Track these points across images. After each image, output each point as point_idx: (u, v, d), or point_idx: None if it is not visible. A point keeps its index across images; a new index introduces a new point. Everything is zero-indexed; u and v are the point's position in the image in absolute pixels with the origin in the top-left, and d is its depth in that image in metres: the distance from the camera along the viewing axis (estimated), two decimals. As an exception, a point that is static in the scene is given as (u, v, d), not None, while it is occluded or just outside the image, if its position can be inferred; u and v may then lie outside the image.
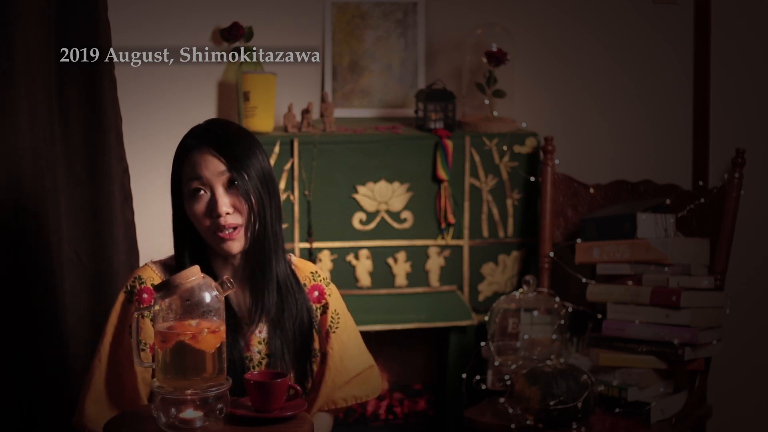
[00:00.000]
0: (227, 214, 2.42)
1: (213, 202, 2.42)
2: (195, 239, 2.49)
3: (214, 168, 2.43)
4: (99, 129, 3.30)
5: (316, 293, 2.60)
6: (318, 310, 2.59)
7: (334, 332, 2.59)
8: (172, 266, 2.52)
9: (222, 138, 2.45)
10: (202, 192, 2.44)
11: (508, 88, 3.73)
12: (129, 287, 2.49)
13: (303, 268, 2.62)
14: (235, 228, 2.44)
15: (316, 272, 2.63)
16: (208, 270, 2.39)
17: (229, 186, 2.44)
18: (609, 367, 3.35)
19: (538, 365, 3.26)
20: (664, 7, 3.77)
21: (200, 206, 2.44)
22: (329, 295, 2.61)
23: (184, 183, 2.45)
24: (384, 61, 3.85)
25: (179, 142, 2.50)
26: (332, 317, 2.60)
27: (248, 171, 2.44)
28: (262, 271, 2.49)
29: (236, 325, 2.48)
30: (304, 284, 2.58)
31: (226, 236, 2.43)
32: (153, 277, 2.49)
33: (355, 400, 2.63)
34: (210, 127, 2.50)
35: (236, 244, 2.45)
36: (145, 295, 2.47)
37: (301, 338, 2.54)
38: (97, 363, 2.47)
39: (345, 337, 2.61)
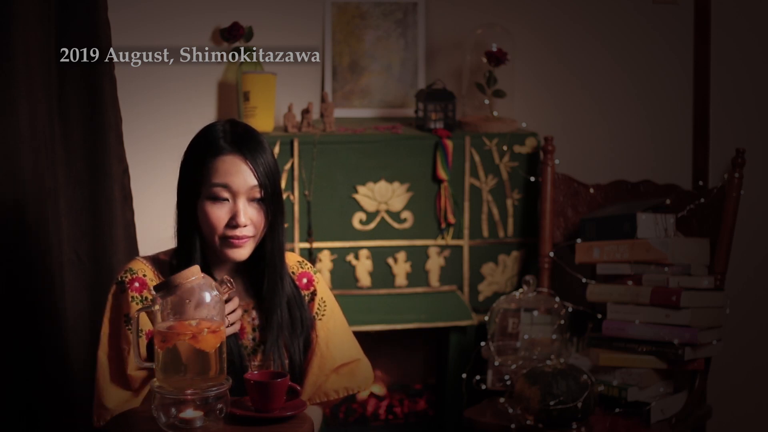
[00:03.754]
0: (244, 226, 2.43)
1: (234, 212, 2.43)
2: (199, 240, 2.49)
3: (246, 180, 2.42)
4: (99, 129, 3.30)
5: (305, 280, 2.62)
6: (306, 297, 2.60)
7: (320, 319, 2.61)
8: (162, 261, 2.53)
9: (256, 149, 2.44)
10: (225, 200, 2.43)
11: (508, 88, 3.73)
12: (120, 279, 2.49)
13: (289, 258, 2.62)
14: (246, 238, 2.45)
15: (302, 261, 2.65)
16: (204, 270, 2.40)
17: (253, 199, 2.44)
18: (609, 367, 3.35)
19: (538, 365, 3.26)
20: (664, 7, 3.77)
21: (220, 213, 2.43)
22: (317, 282, 2.63)
23: (207, 184, 2.43)
24: (384, 61, 3.85)
25: (201, 137, 2.48)
26: (319, 304, 2.62)
27: (271, 186, 2.45)
28: (275, 289, 2.51)
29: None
30: (293, 272, 2.60)
31: (236, 242, 2.44)
32: (143, 268, 2.50)
33: (346, 392, 2.63)
34: (238, 129, 2.47)
35: (243, 252, 2.46)
36: (136, 284, 2.47)
37: (303, 353, 2.57)
38: (102, 356, 2.48)
39: (331, 325, 2.62)
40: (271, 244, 2.49)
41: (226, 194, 2.43)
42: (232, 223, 2.43)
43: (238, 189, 2.43)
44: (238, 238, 2.44)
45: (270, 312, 2.52)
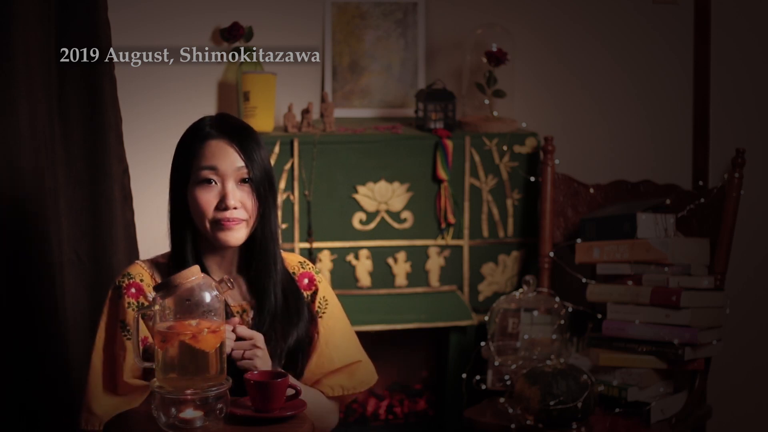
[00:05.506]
0: (234, 208, 2.44)
1: (223, 195, 2.44)
2: (191, 231, 2.49)
3: (232, 161, 2.44)
4: (99, 129, 3.30)
5: (306, 280, 2.62)
6: (308, 297, 2.61)
7: (320, 317, 2.61)
8: (161, 264, 2.54)
9: (242, 133, 2.48)
10: (213, 182, 2.45)
11: (508, 88, 3.73)
12: (117, 283, 2.50)
13: (290, 258, 2.64)
14: (238, 221, 2.45)
15: (304, 261, 2.65)
16: (200, 264, 2.40)
17: (241, 181, 2.46)
18: (609, 367, 3.35)
19: (538, 365, 3.26)
20: (664, 7, 3.77)
21: (209, 196, 2.45)
22: (319, 281, 2.63)
23: (195, 170, 2.45)
24: (384, 61, 3.85)
25: (190, 128, 2.50)
26: (320, 302, 2.62)
27: (260, 170, 2.46)
28: (267, 273, 2.51)
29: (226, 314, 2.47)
30: (294, 272, 2.61)
31: (227, 224, 2.44)
32: (141, 273, 2.50)
33: (342, 390, 2.62)
34: (227, 119, 2.52)
35: (236, 235, 2.46)
36: (133, 290, 2.48)
37: (296, 344, 2.55)
38: (96, 361, 2.48)
39: (331, 324, 2.62)
40: (262, 230, 2.49)
41: (213, 176, 2.44)
42: (222, 205, 2.44)
43: (225, 170, 2.44)
44: (229, 220, 2.44)
45: (262, 296, 2.51)
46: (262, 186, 2.47)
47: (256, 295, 2.53)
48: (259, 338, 2.44)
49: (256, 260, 2.51)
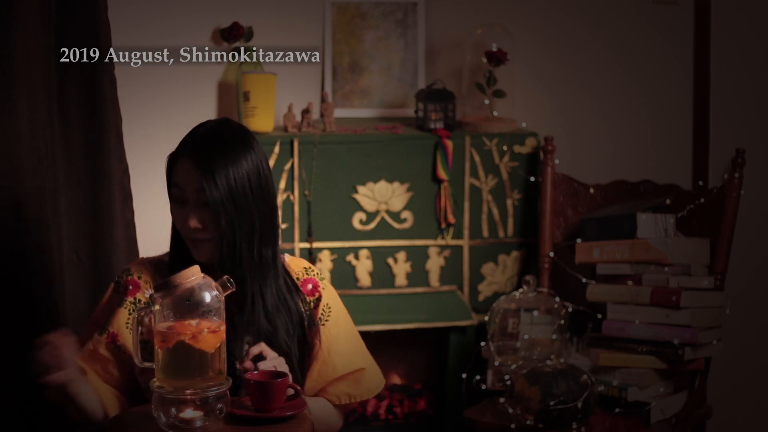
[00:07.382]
0: (196, 229, 2.42)
1: (187, 215, 2.43)
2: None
3: (192, 181, 2.41)
4: (99, 129, 3.30)
5: (310, 286, 2.60)
6: (311, 303, 2.59)
7: (323, 325, 2.59)
8: (163, 263, 2.54)
9: (207, 152, 2.41)
10: (182, 200, 2.44)
11: (508, 88, 3.73)
12: (117, 278, 2.53)
13: (296, 264, 2.62)
14: (202, 239, 2.44)
15: (309, 267, 2.63)
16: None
17: (204, 203, 2.41)
18: (609, 367, 3.35)
19: (538, 365, 3.26)
20: (664, 7, 3.77)
21: (178, 213, 2.45)
22: (323, 288, 2.61)
23: (170, 186, 2.47)
24: (384, 61, 3.85)
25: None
26: (323, 310, 2.60)
27: (223, 192, 2.39)
28: (241, 292, 2.44)
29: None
30: (297, 278, 2.59)
31: (194, 243, 2.44)
32: (141, 270, 2.52)
33: (348, 398, 2.61)
34: (200, 134, 2.45)
35: (201, 253, 2.44)
36: (130, 287, 2.50)
37: (298, 349, 2.55)
38: (84, 332, 2.53)
39: (335, 332, 2.60)
40: (225, 248, 2.42)
41: (181, 196, 2.44)
42: (185, 225, 2.43)
43: (187, 192, 2.42)
44: (196, 239, 2.43)
45: (242, 305, 2.46)
46: (224, 207, 2.39)
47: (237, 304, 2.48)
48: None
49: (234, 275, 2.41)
